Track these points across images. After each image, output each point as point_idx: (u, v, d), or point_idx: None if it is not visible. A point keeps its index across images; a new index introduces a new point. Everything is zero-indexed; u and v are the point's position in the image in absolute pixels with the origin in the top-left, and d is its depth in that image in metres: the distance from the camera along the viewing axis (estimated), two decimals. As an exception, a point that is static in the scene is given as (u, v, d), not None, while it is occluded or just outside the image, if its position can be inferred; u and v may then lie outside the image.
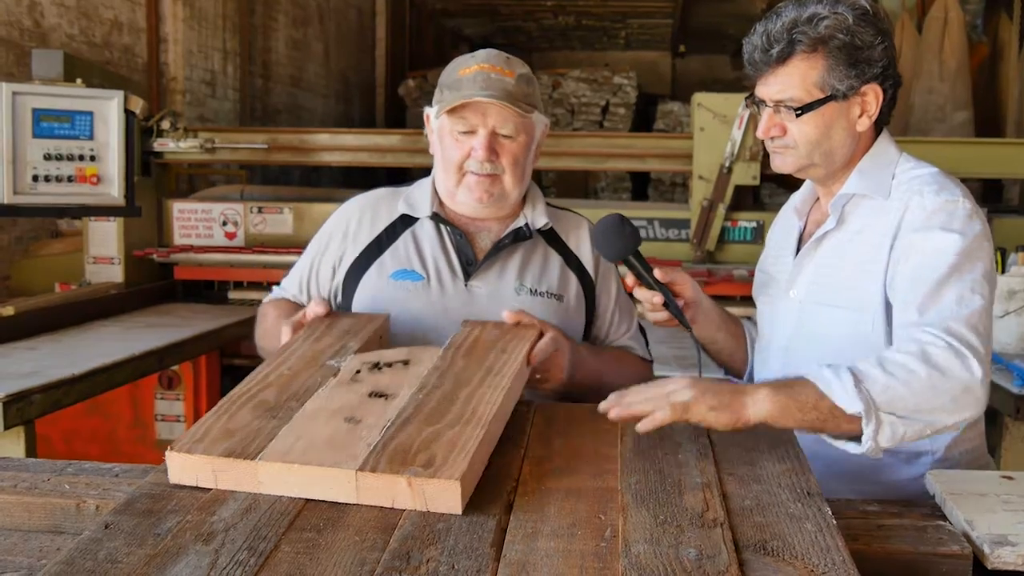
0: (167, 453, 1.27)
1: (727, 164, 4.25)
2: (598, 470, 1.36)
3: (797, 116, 1.73)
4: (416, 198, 2.06)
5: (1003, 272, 3.27)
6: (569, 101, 11.85)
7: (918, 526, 1.37)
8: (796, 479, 1.32)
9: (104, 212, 3.98)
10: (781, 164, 1.81)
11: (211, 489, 1.26)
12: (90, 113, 3.71)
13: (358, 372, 1.54)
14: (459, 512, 1.18)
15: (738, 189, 4.31)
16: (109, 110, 3.75)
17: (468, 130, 1.91)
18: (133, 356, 3.23)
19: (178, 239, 4.55)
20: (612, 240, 1.82)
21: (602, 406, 1.47)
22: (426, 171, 2.13)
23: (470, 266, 1.99)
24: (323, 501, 1.22)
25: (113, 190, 3.77)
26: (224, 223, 4.54)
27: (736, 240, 4.36)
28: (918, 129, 6.72)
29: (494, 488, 1.28)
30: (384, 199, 2.09)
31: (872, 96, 1.72)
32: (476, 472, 1.26)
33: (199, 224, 4.55)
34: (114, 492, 1.41)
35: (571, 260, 2.07)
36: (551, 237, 2.07)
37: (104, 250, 4.33)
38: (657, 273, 1.82)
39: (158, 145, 4.39)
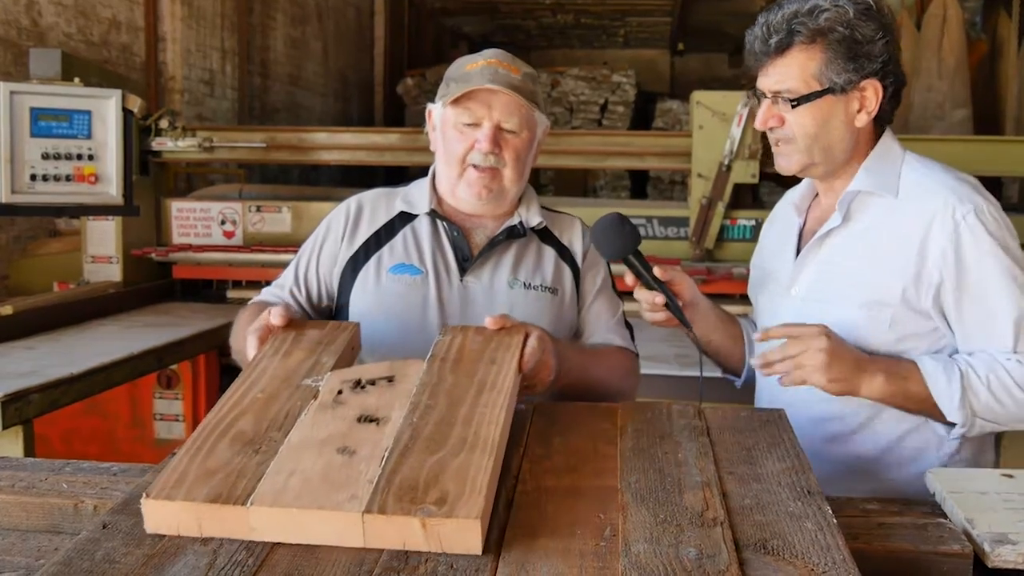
0: (142, 501, 1.14)
1: (726, 162, 4.24)
2: (597, 469, 1.35)
3: (793, 107, 1.74)
4: (414, 196, 2.08)
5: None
6: (568, 99, 11.85)
7: (918, 524, 1.37)
8: (796, 478, 1.31)
9: (102, 211, 3.97)
10: (785, 165, 1.81)
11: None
12: (88, 112, 3.71)
13: (340, 393, 1.43)
14: (479, 553, 1.09)
15: (737, 187, 4.31)
16: (107, 109, 3.75)
17: (473, 122, 1.92)
18: (132, 355, 3.23)
19: (176, 238, 4.54)
20: (611, 239, 1.82)
21: (754, 362, 1.75)
22: (424, 171, 2.13)
23: (466, 262, 2.00)
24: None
25: (111, 189, 3.77)
26: (223, 222, 4.54)
27: (735, 238, 4.36)
28: (917, 127, 6.71)
29: (493, 487, 1.26)
30: (382, 197, 2.11)
31: (872, 92, 1.72)
32: (490, 506, 1.17)
33: (197, 223, 4.55)
34: (112, 492, 1.40)
35: (565, 254, 2.09)
36: (545, 234, 2.09)
37: (102, 249, 4.33)
38: (657, 272, 1.82)
39: (156, 144, 4.38)
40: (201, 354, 3.92)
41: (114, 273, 4.30)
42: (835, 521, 1.18)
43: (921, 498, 1.50)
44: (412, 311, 1.96)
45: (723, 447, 1.43)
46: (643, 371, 2.96)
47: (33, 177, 3.59)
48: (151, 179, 4.46)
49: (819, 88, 1.72)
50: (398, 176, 7.55)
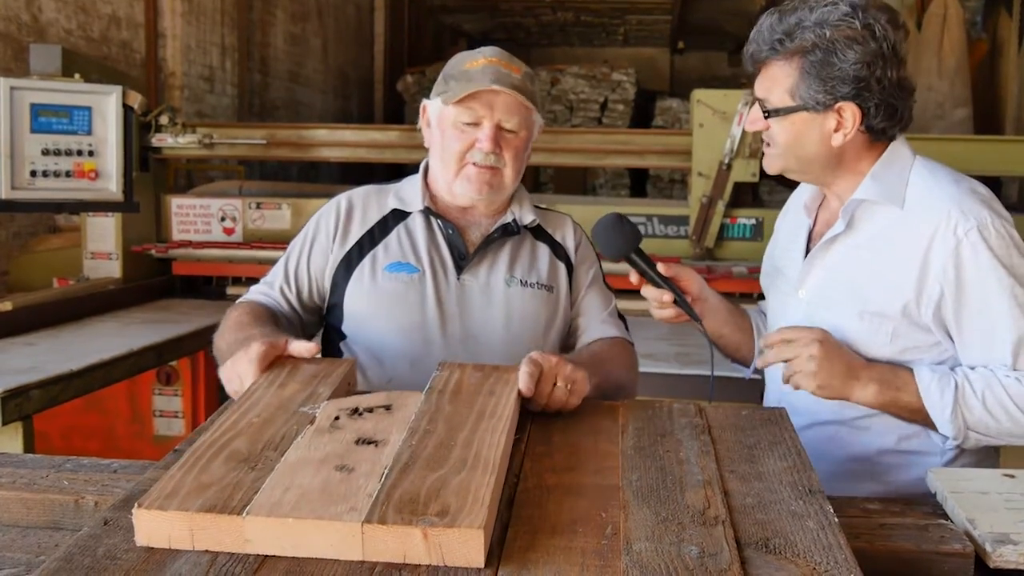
0: (135, 511, 1.10)
1: (726, 160, 4.24)
2: (599, 467, 1.35)
3: (766, 117, 1.76)
4: (407, 193, 2.08)
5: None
6: (568, 97, 11.84)
7: (920, 524, 1.37)
8: (798, 477, 1.31)
9: (102, 207, 3.97)
10: (767, 164, 1.84)
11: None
12: (88, 108, 3.70)
13: (337, 419, 1.40)
14: (481, 566, 1.06)
15: (737, 186, 4.31)
16: (107, 105, 3.74)
17: (473, 121, 1.92)
18: (131, 352, 3.23)
19: (176, 235, 4.54)
20: (612, 239, 1.83)
21: (758, 363, 1.80)
22: (417, 168, 2.13)
23: (462, 260, 2.00)
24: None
25: (111, 185, 3.76)
26: (222, 219, 4.53)
27: (735, 237, 4.36)
28: (917, 126, 6.67)
29: (494, 485, 1.26)
30: (373, 194, 2.10)
31: (849, 114, 1.71)
32: (493, 520, 1.13)
33: (197, 220, 4.54)
34: (113, 488, 1.40)
35: (558, 250, 2.10)
36: (538, 231, 2.09)
37: (102, 245, 4.32)
38: (661, 268, 1.82)
39: (156, 140, 4.37)
40: (201, 351, 3.92)
41: (114, 269, 4.29)
42: (836, 520, 1.18)
43: (923, 499, 1.50)
44: (410, 309, 1.95)
45: (724, 445, 1.43)
46: (643, 369, 2.97)
47: (33, 173, 3.58)
48: (151, 176, 4.45)
49: (793, 104, 1.73)
50: (398, 173, 7.55)
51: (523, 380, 1.55)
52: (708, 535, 1.13)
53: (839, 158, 1.76)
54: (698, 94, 4.36)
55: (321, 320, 2.10)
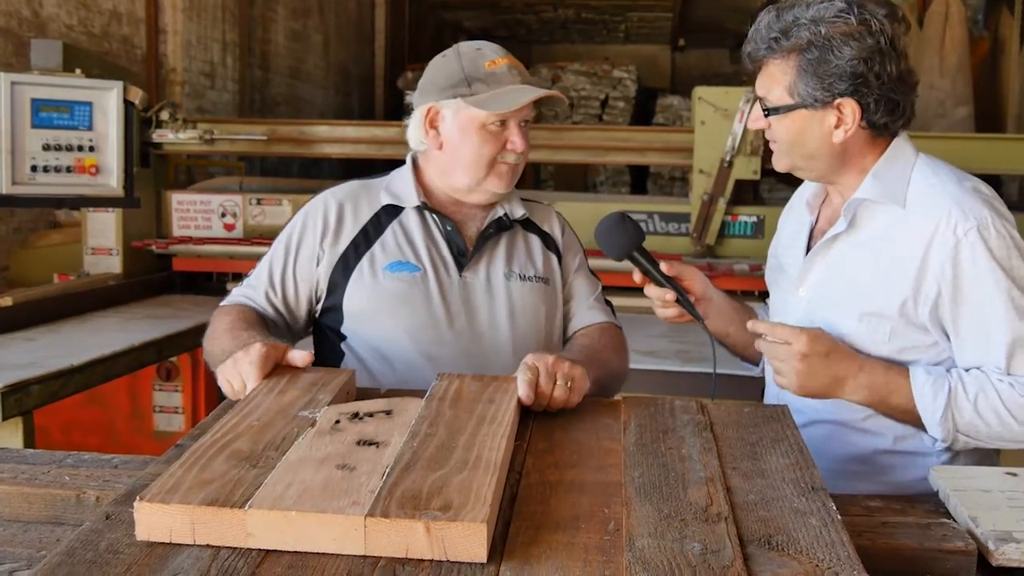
0: (136, 505, 1.10)
1: (728, 158, 4.24)
2: (601, 464, 1.35)
3: (765, 116, 1.76)
4: (399, 188, 2.05)
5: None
6: (568, 94, 11.83)
7: (922, 523, 1.37)
8: (800, 474, 1.31)
9: (103, 203, 3.96)
10: (775, 162, 1.83)
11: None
12: (89, 103, 3.70)
13: (337, 422, 1.40)
14: (483, 560, 1.05)
15: (739, 183, 4.30)
16: (108, 100, 3.74)
17: (501, 121, 1.93)
18: (132, 347, 3.23)
19: (177, 230, 4.53)
20: (615, 238, 1.84)
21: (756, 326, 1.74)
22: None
23: (462, 256, 2.00)
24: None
25: (112, 181, 3.76)
26: (223, 214, 4.53)
27: (736, 234, 4.35)
28: (918, 125, 6.67)
29: (497, 481, 1.26)
30: (361, 191, 2.07)
31: (849, 110, 1.70)
32: (495, 517, 1.13)
33: (198, 215, 4.54)
34: (114, 483, 1.40)
35: (548, 241, 2.11)
36: (526, 224, 2.10)
37: (103, 241, 4.32)
38: (664, 267, 1.82)
39: (157, 136, 4.37)
40: (201, 347, 3.91)
41: (114, 265, 4.29)
42: (839, 518, 1.18)
43: (925, 496, 1.50)
44: (415, 309, 1.94)
45: (727, 443, 1.43)
46: (645, 366, 2.98)
47: (34, 168, 3.58)
48: (151, 171, 4.44)
49: (792, 102, 1.72)
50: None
51: (522, 388, 1.55)
52: (711, 532, 1.12)
53: (842, 155, 1.75)
54: (700, 91, 4.36)
55: (310, 322, 2.07)
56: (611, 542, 1.11)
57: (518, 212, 2.07)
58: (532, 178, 10.82)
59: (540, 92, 1.91)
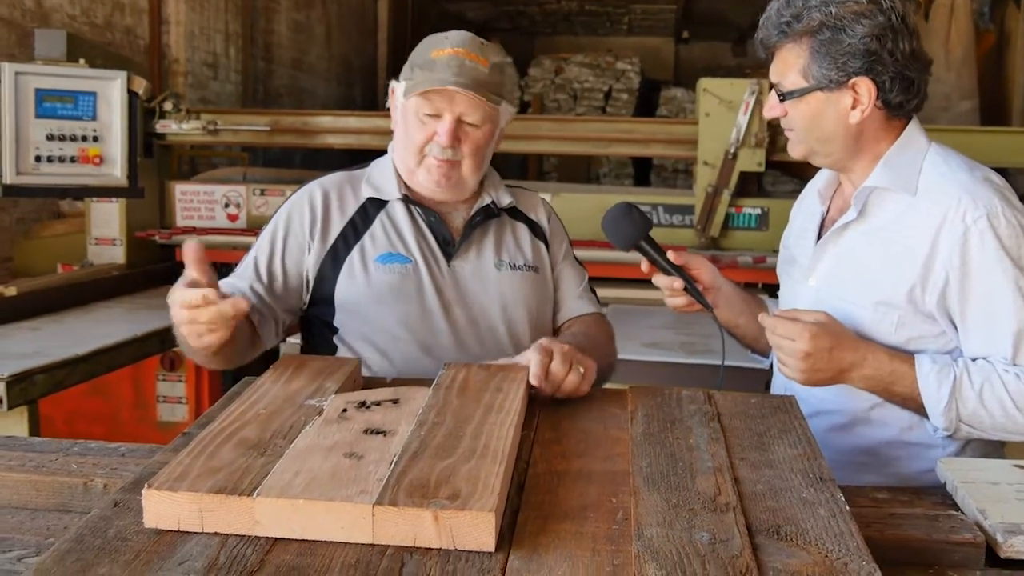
0: (144, 492, 1.10)
1: (732, 150, 4.24)
2: (608, 453, 1.35)
3: (780, 101, 1.76)
4: (381, 181, 2.04)
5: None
6: (572, 86, 11.83)
7: (929, 515, 1.36)
8: (808, 464, 1.31)
9: (107, 193, 3.96)
10: (790, 149, 1.84)
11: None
12: (93, 93, 3.70)
13: (344, 411, 1.40)
14: (491, 550, 1.05)
15: (743, 175, 4.31)
16: (112, 91, 3.74)
17: (434, 113, 1.89)
18: (136, 337, 3.23)
19: (180, 221, 4.54)
20: (622, 228, 1.83)
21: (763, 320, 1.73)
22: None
23: (448, 246, 1.99)
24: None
25: (116, 171, 3.76)
26: (227, 205, 4.53)
27: (741, 226, 4.35)
28: (923, 117, 6.64)
29: (504, 470, 1.26)
30: (345, 182, 2.05)
31: (864, 89, 1.70)
32: (503, 506, 1.12)
33: (201, 206, 4.54)
34: (121, 471, 1.40)
35: (536, 229, 2.11)
36: (514, 212, 2.10)
37: (106, 231, 4.32)
38: (671, 256, 1.82)
39: (160, 127, 4.37)
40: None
41: (118, 255, 4.30)
42: (848, 508, 1.17)
43: (931, 489, 1.50)
44: (409, 300, 1.93)
45: (734, 433, 1.43)
46: (649, 358, 2.98)
47: (38, 158, 3.58)
48: (155, 162, 4.44)
49: (806, 85, 1.72)
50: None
51: (534, 368, 1.55)
52: (719, 521, 1.12)
53: (858, 137, 1.74)
54: (704, 83, 4.36)
55: (298, 314, 2.03)
56: (619, 531, 1.11)
57: (505, 200, 2.06)
58: (536, 169, 10.82)
59: (440, 85, 1.86)
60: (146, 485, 1.11)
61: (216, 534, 1.08)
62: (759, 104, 4.21)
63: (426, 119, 1.90)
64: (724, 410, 1.52)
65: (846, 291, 1.78)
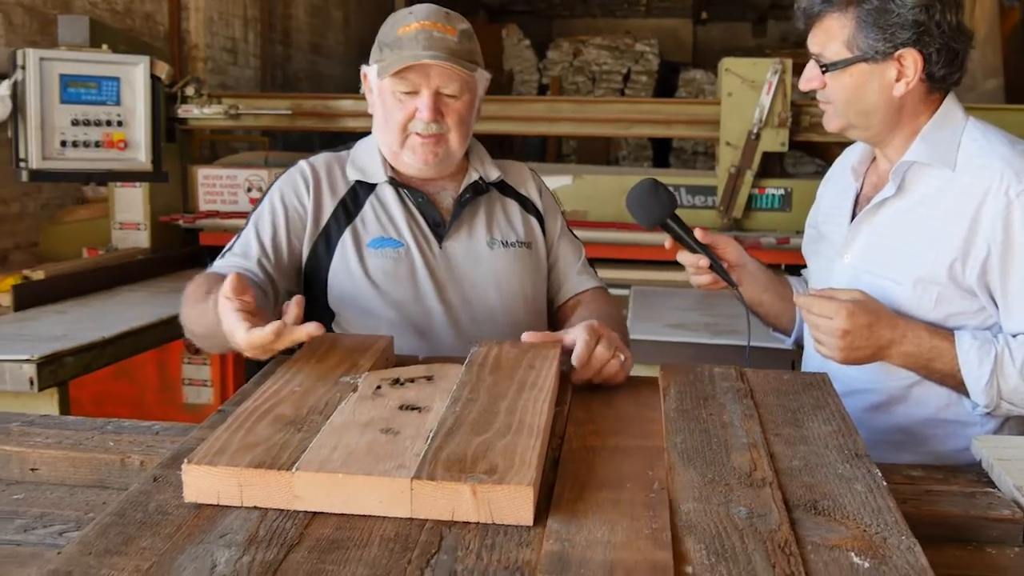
0: (184, 467, 1.11)
1: (755, 130, 4.21)
2: (642, 431, 1.35)
3: (823, 73, 1.73)
4: (366, 163, 2.01)
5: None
6: (590, 69, 11.80)
7: (966, 492, 1.36)
8: (843, 440, 1.31)
9: (132, 177, 3.97)
10: (826, 122, 1.81)
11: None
12: (117, 79, 3.70)
13: (379, 388, 1.40)
14: (530, 523, 1.05)
15: (766, 156, 4.27)
16: (135, 75, 3.74)
17: (411, 90, 1.87)
18: (161, 320, 3.24)
19: (203, 205, 4.54)
20: (647, 205, 1.83)
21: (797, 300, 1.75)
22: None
23: (439, 227, 1.97)
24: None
25: (140, 155, 3.77)
26: (249, 189, 4.54)
27: (764, 207, 4.33)
28: (947, 97, 6.62)
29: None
30: (333, 163, 2.03)
31: (910, 61, 1.68)
32: (539, 484, 1.11)
33: (224, 190, 4.55)
34: (157, 448, 1.41)
35: (527, 205, 2.08)
36: (503, 188, 2.07)
37: (130, 216, 4.34)
38: (698, 234, 1.81)
39: (182, 111, 4.37)
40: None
41: (142, 240, 4.32)
42: (885, 484, 1.17)
43: (965, 467, 1.49)
44: (403, 284, 1.92)
45: (767, 409, 1.42)
46: (674, 339, 2.97)
47: (63, 143, 3.59)
48: (177, 146, 4.45)
49: (850, 56, 1.70)
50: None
51: (580, 347, 1.55)
52: (756, 496, 1.12)
53: (899, 111, 1.73)
54: (727, 63, 4.33)
55: (297, 287, 1.98)
56: (657, 499, 1.11)
57: (493, 174, 2.04)
58: (555, 152, 10.80)
59: (412, 61, 1.83)
60: (186, 460, 1.12)
61: (255, 508, 1.09)
62: (782, 84, 4.18)
63: (403, 97, 1.87)
64: (757, 387, 1.52)
65: (884, 268, 1.76)
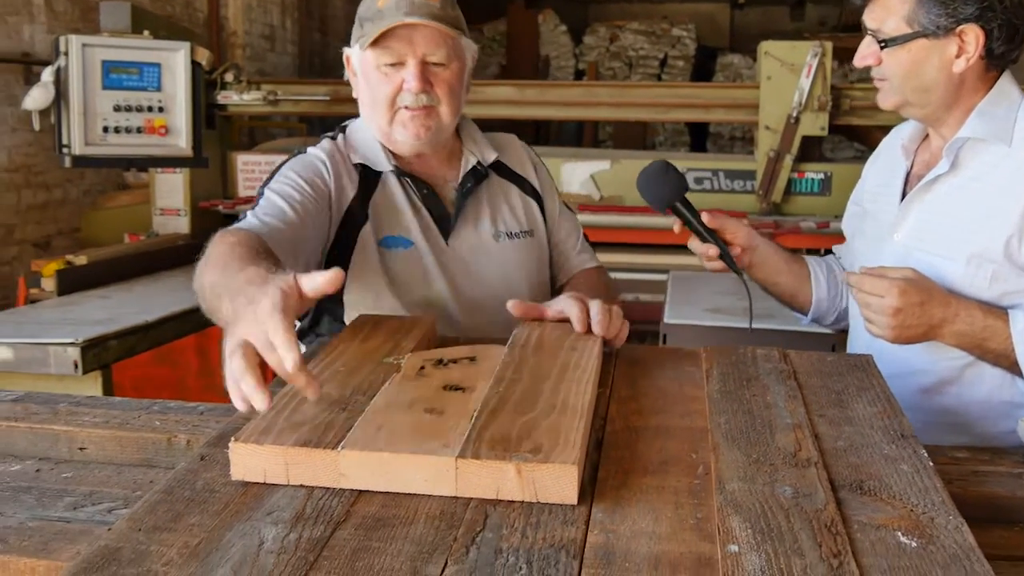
0: (231, 445, 1.12)
1: (794, 114, 4.17)
2: (686, 410, 1.34)
3: (882, 48, 1.71)
4: (367, 148, 1.91)
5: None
6: (627, 54, 11.73)
7: (1013, 472, 1.34)
8: (888, 421, 1.29)
9: (173, 163, 4.02)
10: (880, 99, 1.78)
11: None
12: (158, 65, 3.75)
13: (422, 368, 1.40)
14: (574, 503, 1.05)
15: (805, 140, 4.24)
16: (176, 61, 3.78)
17: (396, 61, 1.78)
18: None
19: (242, 191, 4.58)
20: (658, 187, 1.82)
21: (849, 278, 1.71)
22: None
23: (444, 222, 1.91)
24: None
25: (181, 141, 3.81)
26: (287, 175, 4.56)
27: (803, 192, 4.29)
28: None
29: (581, 426, 1.26)
30: (335, 153, 1.90)
31: (972, 37, 1.65)
32: (583, 463, 1.11)
33: (263, 176, 4.57)
34: (203, 428, 1.43)
35: (525, 186, 2.04)
36: (499, 168, 2.01)
37: (171, 202, 4.38)
38: (705, 218, 1.81)
39: (222, 97, 4.41)
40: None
41: (182, 225, 4.36)
42: (932, 464, 1.16)
43: (1011, 449, 1.47)
44: (417, 285, 1.87)
45: (811, 390, 1.41)
46: (712, 323, 2.96)
47: (105, 129, 3.64)
48: (217, 133, 4.49)
49: (910, 31, 1.68)
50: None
51: (599, 322, 1.54)
52: (801, 476, 1.12)
53: (958, 88, 1.70)
54: (766, 46, 4.29)
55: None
56: (701, 486, 1.11)
57: (490, 156, 1.97)
58: (591, 137, 10.76)
59: (393, 22, 1.74)
60: (232, 439, 1.13)
61: (301, 486, 1.10)
62: (822, 67, 4.14)
63: (388, 71, 1.79)
64: (800, 368, 1.51)
65: (936, 245, 1.74)
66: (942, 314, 1.65)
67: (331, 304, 1.87)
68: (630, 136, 10.62)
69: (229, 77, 4.43)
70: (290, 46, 8.71)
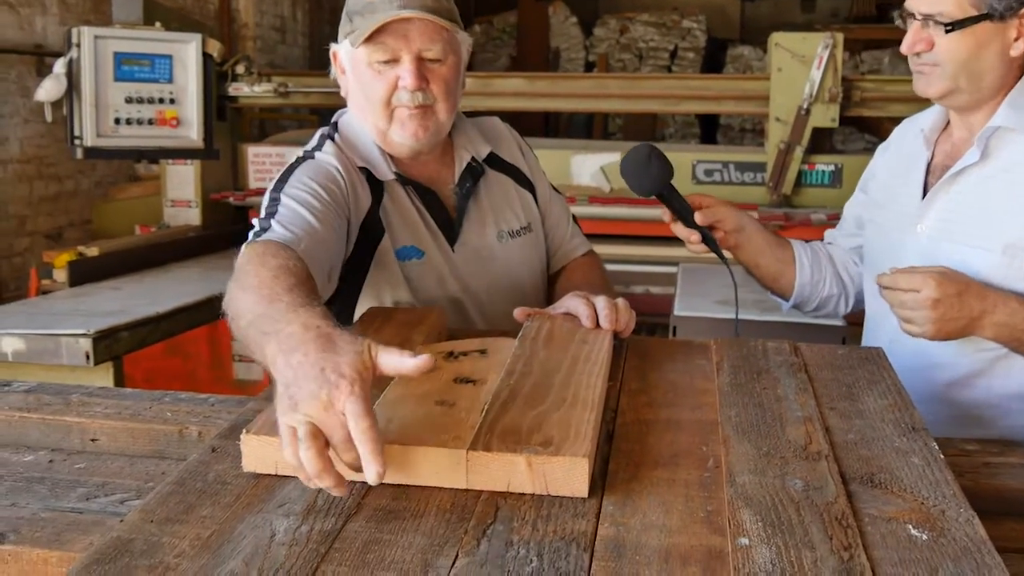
0: (243, 437, 1.12)
1: (805, 106, 4.15)
2: (696, 403, 1.34)
3: (947, 32, 1.66)
4: (366, 151, 1.82)
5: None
6: (637, 46, 11.68)
7: (1024, 464, 1.34)
8: (899, 414, 1.29)
9: (184, 155, 4.03)
10: (925, 87, 1.73)
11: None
12: (169, 56, 3.76)
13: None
14: (584, 495, 1.05)
15: (816, 132, 4.22)
16: (187, 53, 3.79)
17: (390, 58, 1.69)
18: (212, 296, 3.27)
19: (253, 183, 4.59)
20: (644, 173, 1.78)
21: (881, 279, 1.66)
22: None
23: (448, 228, 1.86)
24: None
25: (192, 133, 3.82)
26: (298, 167, 4.57)
27: (814, 184, 4.28)
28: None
29: (592, 419, 1.26)
30: (340, 157, 1.79)
31: None
32: (594, 456, 1.10)
33: (274, 168, 4.58)
34: (215, 420, 1.43)
35: (518, 176, 1.99)
36: (491, 159, 1.95)
37: (181, 193, 4.40)
38: (698, 217, 1.81)
39: (233, 89, 4.41)
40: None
41: (193, 217, 4.37)
42: (943, 457, 1.16)
43: (1021, 441, 1.47)
44: (430, 292, 1.83)
45: (822, 383, 1.41)
46: (722, 316, 2.95)
47: (117, 121, 3.65)
48: (228, 124, 4.49)
49: (975, 13, 1.64)
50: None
51: (606, 316, 1.54)
52: (812, 469, 1.12)
53: (1009, 73, 1.68)
54: (776, 37, 4.27)
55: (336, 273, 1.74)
56: (711, 479, 1.11)
57: (484, 150, 1.92)
58: (601, 129, 10.74)
59: (387, 17, 1.65)
60: (244, 431, 1.13)
61: (313, 478, 1.10)
62: (833, 58, 4.12)
63: (382, 68, 1.70)
64: (811, 361, 1.51)
65: (966, 236, 1.70)
66: (981, 306, 1.61)
67: (344, 318, 1.74)
68: (640, 128, 10.58)
69: (240, 69, 4.43)
70: (301, 38, 8.71)
